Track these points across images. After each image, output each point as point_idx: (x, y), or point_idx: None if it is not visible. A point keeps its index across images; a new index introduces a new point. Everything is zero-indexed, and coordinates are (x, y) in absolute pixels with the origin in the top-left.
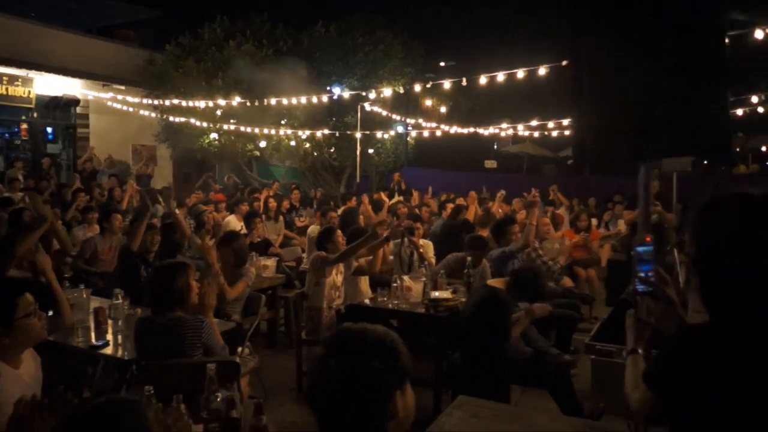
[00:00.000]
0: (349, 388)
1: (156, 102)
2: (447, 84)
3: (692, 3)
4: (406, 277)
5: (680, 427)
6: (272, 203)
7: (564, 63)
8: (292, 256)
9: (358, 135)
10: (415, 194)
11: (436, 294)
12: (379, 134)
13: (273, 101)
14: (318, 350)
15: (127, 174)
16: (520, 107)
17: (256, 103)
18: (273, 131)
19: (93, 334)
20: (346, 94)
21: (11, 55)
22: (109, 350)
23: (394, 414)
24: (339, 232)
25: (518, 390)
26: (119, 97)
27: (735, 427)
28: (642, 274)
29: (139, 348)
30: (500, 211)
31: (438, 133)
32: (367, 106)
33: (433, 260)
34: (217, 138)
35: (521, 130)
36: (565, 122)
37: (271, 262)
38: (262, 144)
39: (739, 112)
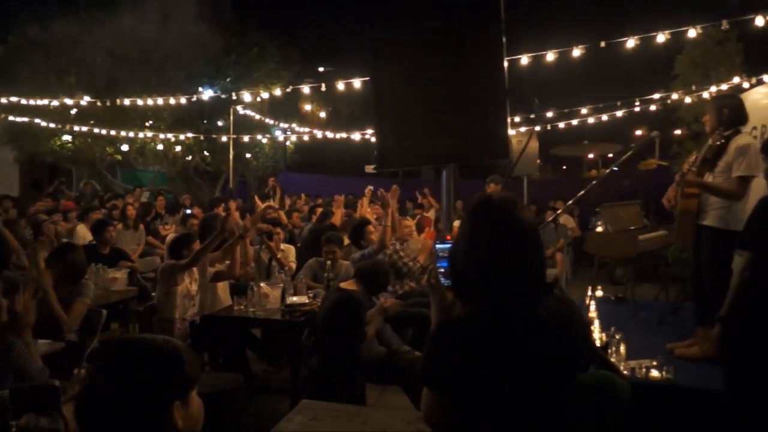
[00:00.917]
0: (116, 402)
1: None
2: (324, 87)
3: (475, 32)
4: (263, 284)
5: (459, 421)
6: (131, 211)
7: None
8: (149, 267)
9: (225, 138)
10: (288, 199)
11: (293, 299)
12: (259, 137)
13: (128, 101)
14: (86, 365)
15: None
16: None
17: (109, 103)
18: (136, 134)
19: None
20: (223, 96)
21: None
22: None
23: (174, 426)
24: (198, 239)
25: (378, 390)
26: None
27: (493, 416)
28: (442, 270)
29: None
30: (368, 212)
31: (320, 136)
32: (241, 110)
33: (294, 265)
34: (70, 141)
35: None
36: None
37: (121, 275)
38: (124, 147)
39: (591, 120)
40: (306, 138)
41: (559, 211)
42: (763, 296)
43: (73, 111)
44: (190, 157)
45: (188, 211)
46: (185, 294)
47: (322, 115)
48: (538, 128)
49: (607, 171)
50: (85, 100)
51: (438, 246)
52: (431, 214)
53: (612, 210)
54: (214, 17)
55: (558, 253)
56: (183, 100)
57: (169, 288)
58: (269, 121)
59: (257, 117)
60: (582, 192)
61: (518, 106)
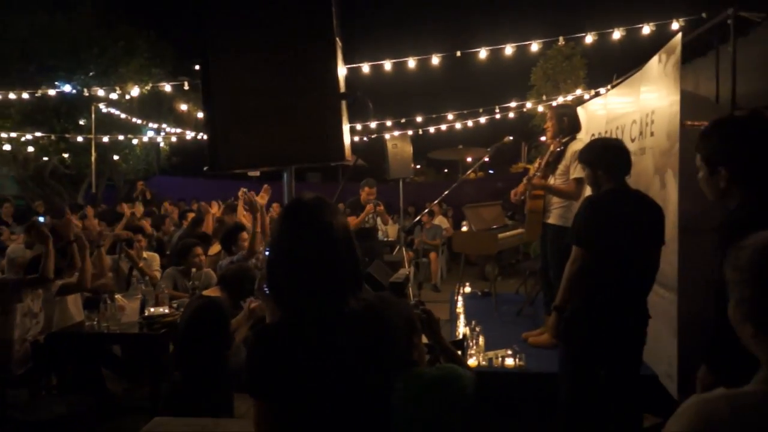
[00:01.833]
0: None
1: None
2: (186, 86)
3: (311, 37)
4: (118, 296)
5: (286, 426)
6: None
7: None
8: None
9: (82, 138)
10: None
11: (152, 310)
12: (121, 138)
13: None
14: None
15: None
16: None
17: None
18: None
19: None
20: (85, 93)
21: None
22: None
23: None
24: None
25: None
26: None
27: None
28: None
29: None
30: (244, 216)
31: (190, 137)
32: (104, 108)
33: (158, 274)
34: None
35: None
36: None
37: None
38: None
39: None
40: (189, 138)
41: (426, 211)
42: (589, 286)
43: None
44: (46, 159)
45: (41, 219)
46: (26, 312)
47: (201, 115)
48: (410, 132)
49: (468, 173)
50: None
51: (267, 252)
52: None
53: (475, 210)
54: (72, 6)
55: (432, 253)
56: (26, 95)
57: (6, 306)
58: (137, 120)
59: (123, 116)
60: (446, 193)
61: (357, 111)
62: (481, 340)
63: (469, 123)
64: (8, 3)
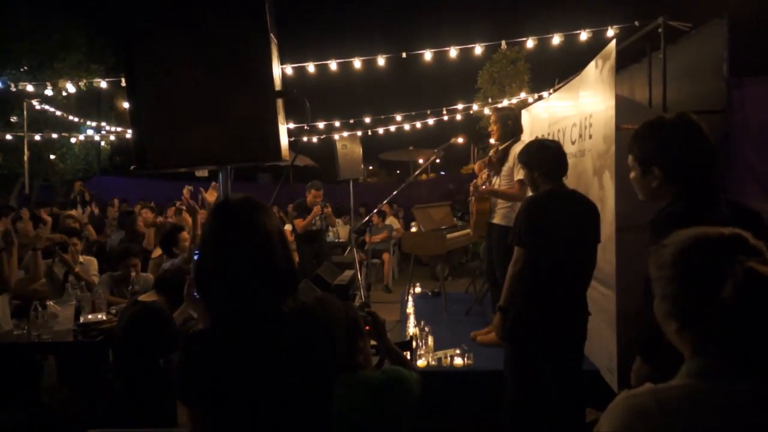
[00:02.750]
0: None
1: None
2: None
3: (243, 31)
4: (50, 302)
5: None
6: None
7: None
8: None
9: (10, 136)
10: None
11: (89, 317)
12: (53, 137)
13: None
14: None
15: None
16: None
17: None
18: None
19: None
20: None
21: None
22: None
23: None
24: None
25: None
26: None
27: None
28: None
29: None
30: (187, 217)
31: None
32: (37, 105)
33: (96, 279)
34: None
35: None
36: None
37: None
38: None
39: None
40: (130, 137)
41: (375, 211)
42: (530, 286)
43: None
44: None
45: None
46: None
47: None
48: (360, 133)
49: (415, 174)
50: None
51: (196, 255)
52: None
53: (424, 211)
54: None
55: (385, 253)
56: None
57: None
58: (74, 118)
59: (59, 114)
60: (394, 193)
61: (295, 110)
62: (430, 340)
63: (418, 124)
64: None
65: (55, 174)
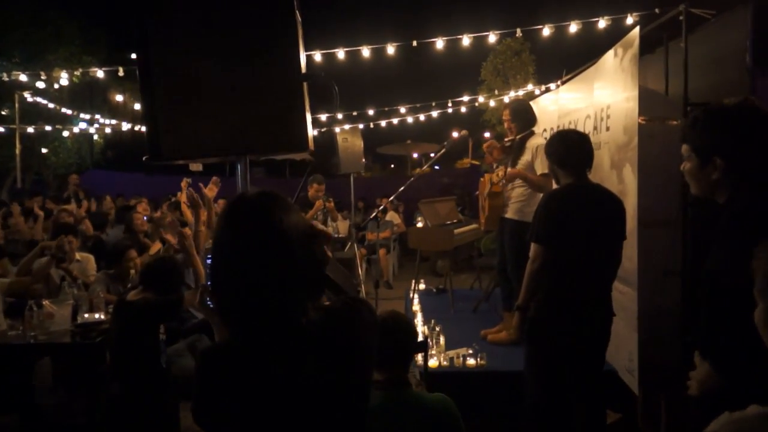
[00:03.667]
0: None
1: None
2: (121, 72)
3: (268, 15)
4: (46, 302)
5: None
6: None
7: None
8: None
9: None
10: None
11: (86, 317)
12: (46, 129)
13: None
14: None
15: None
16: None
17: None
18: None
19: None
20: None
21: None
22: None
23: None
24: None
25: None
26: None
27: None
28: None
29: None
30: (187, 210)
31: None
32: (29, 97)
33: (93, 278)
34: None
35: None
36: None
37: None
38: None
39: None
40: (125, 129)
41: (380, 207)
42: (550, 284)
43: None
44: None
45: None
46: None
47: (137, 106)
48: (361, 126)
49: (424, 167)
50: None
51: (209, 260)
52: None
53: (430, 206)
54: None
55: (381, 249)
56: None
57: None
58: (67, 111)
59: (52, 106)
60: (401, 189)
61: (321, 97)
62: (442, 339)
63: (422, 117)
64: None
65: (47, 168)
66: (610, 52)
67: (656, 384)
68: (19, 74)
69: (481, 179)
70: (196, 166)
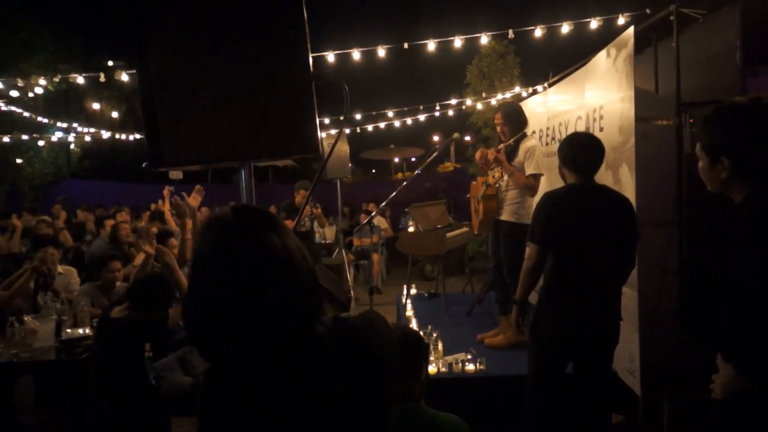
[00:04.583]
0: None
1: None
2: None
3: (275, 14)
4: (28, 317)
5: None
6: None
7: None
8: None
9: None
10: (62, 213)
11: (69, 332)
12: (46, 140)
13: None
14: None
15: None
16: None
17: None
18: None
19: None
20: None
21: None
22: None
23: None
24: None
25: (190, 422)
26: None
27: None
28: None
29: None
30: (171, 219)
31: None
32: (3, 106)
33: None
34: None
35: None
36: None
37: None
38: None
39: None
40: (105, 137)
41: (373, 213)
42: (548, 283)
43: None
44: None
45: None
46: None
47: (115, 114)
48: (347, 130)
49: (416, 172)
50: None
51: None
52: None
53: (421, 210)
54: None
55: (375, 254)
56: None
57: None
58: (43, 119)
59: (26, 114)
60: (394, 193)
61: (327, 98)
62: (440, 345)
63: (409, 121)
64: None
65: (22, 179)
66: (603, 53)
67: (657, 384)
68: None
69: (473, 182)
70: (176, 174)
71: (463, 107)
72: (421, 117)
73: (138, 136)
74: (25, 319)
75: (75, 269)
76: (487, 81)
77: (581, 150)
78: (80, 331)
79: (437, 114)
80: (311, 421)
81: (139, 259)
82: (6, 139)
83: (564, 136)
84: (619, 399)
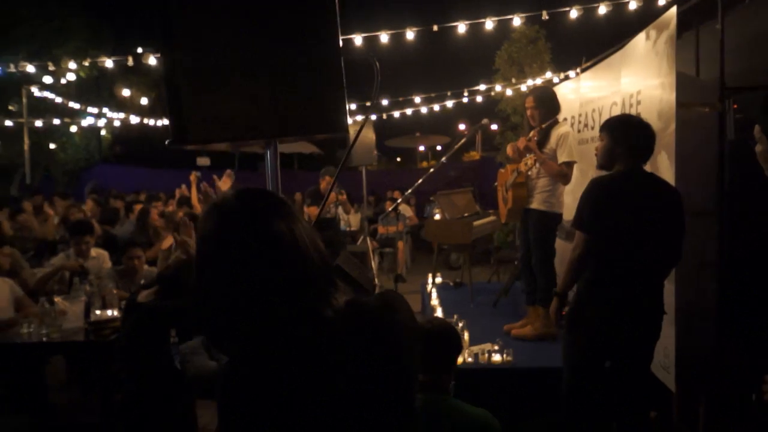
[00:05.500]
0: None
1: None
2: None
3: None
4: (57, 299)
5: None
6: None
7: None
8: None
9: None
10: (89, 202)
11: (99, 314)
12: (78, 125)
13: None
14: None
15: None
16: None
17: None
18: None
19: None
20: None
21: None
22: None
23: None
24: None
25: (214, 405)
26: None
27: None
28: None
29: None
30: (198, 205)
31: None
32: (37, 92)
33: None
34: None
35: None
36: None
37: None
38: None
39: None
40: (134, 123)
41: (399, 201)
42: (592, 274)
43: None
44: None
45: None
46: None
47: (144, 101)
48: (373, 117)
49: (442, 160)
50: None
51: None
52: None
53: (448, 198)
54: None
55: (400, 241)
56: None
57: None
58: (74, 105)
59: (59, 100)
60: (420, 181)
61: (354, 82)
62: (465, 335)
63: (436, 107)
64: None
65: (56, 164)
66: (641, 35)
67: (693, 381)
68: (26, 65)
69: (501, 170)
70: (203, 160)
71: (492, 93)
72: (449, 103)
73: (166, 122)
74: (56, 300)
75: (107, 252)
76: (517, 67)
77: (644, 134)
78: (108, 313)
79: (465, 101)
80: (322, 407)
81: (167, 243)
82: (38, 123)
83: (597, 123)
84: (652, 394)
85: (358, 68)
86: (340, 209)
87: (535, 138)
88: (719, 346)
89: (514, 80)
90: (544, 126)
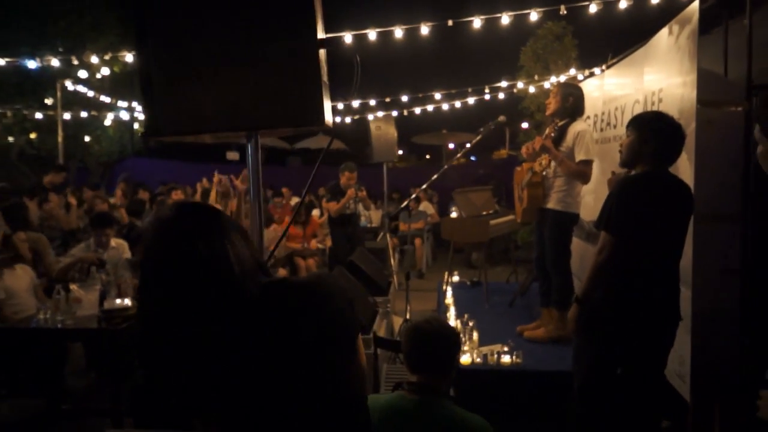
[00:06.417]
0: None
1: None
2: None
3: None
4: (73, 286)
5: None
6: None
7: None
8: None
9: (40, 115)
10: (118, 192)
11: (113, 304)
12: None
13: None
14: None
15: None
16: None
17: None
18: None
19: None
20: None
21: None
22: None
23: None
24: None
25: None
26: None
27: None
28: None
29: None
30: (216, 203)
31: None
32: (71, 86)
33: None
34: None
35: None
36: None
37: None
38: None
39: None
40: None
41: (413, 196)
42: (617, 278)
43: None
44: (11, 139)
45: None
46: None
47: None
48: (395, 113)
49: (458, 156)
50: None
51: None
52: (292, 202)
53: (465, 196)
54: None
55: (417, 239)
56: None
57: None
58: (105, 99)
59: (91, 94)
60: (434, 177)
61: (374, 81)
62: (475, 335)
63: (457, 104)
64: None
65: (90, 156)
66: (664, 30)
67: (709, 391)
68: (58, 59)
69: (518, 168)
70: (233, 156)
71: (515, 90)
72: (470, 100)
73: None
74: (71, 287)
75: (126, 243)
76: (542, 63)
77: (675, 135)
78: (118, 301)
79: (487, 98)
80: (255, 383)
81: None
82: (66, 116)
83: (620, 122)
84: (666, 403)
85: (374, 66)
86: (360, 205)
87: (551, 135)
88: (741, 356)
89: (536, 77)
90: (562, 123)
